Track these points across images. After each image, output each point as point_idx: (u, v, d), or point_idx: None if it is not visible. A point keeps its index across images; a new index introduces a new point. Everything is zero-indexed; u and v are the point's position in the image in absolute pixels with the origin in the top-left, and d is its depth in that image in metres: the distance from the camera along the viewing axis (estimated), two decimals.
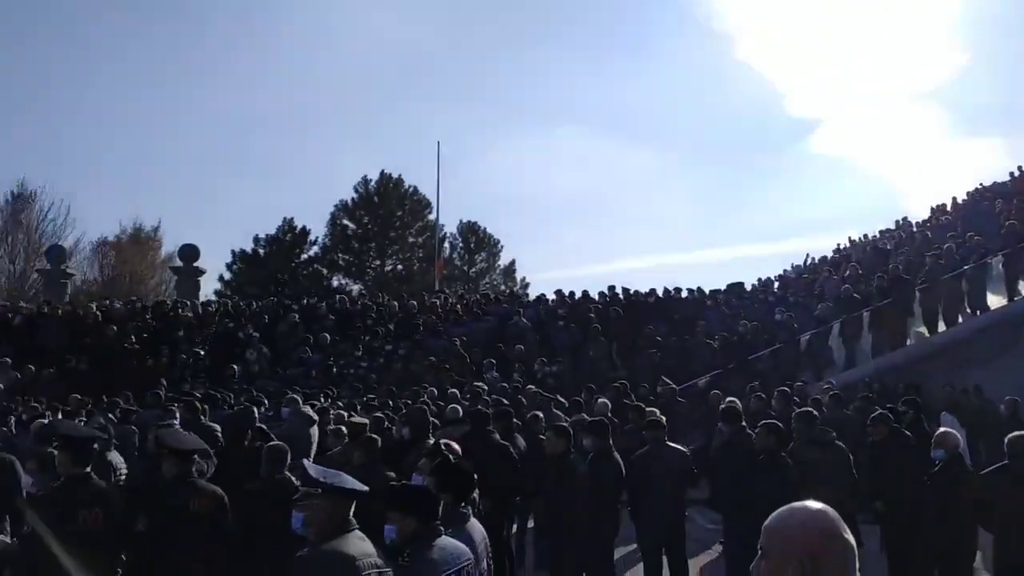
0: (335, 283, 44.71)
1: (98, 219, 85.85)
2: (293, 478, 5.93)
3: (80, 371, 15.79)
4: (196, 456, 5.49)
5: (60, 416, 9.62)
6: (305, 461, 3.48)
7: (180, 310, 19.79)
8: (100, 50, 63.66)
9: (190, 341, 17.63)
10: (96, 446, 5.35)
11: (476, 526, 4.37)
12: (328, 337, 17.66)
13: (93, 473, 5.12)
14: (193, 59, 66.95)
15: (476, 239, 50.71)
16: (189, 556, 5.11)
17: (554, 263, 68.43)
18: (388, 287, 35.05)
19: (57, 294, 26.08)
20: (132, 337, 17.40)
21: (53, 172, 73.96)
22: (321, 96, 67.77)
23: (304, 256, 47.66)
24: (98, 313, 18.72)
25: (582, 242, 70.25)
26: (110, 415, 10.10)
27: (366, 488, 3.57)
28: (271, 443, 6.36)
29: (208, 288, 37.17)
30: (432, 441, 7.65)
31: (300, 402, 9.37)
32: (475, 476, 4.61)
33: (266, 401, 11.10)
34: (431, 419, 8.67)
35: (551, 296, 20.18)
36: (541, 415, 9.79)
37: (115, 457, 6.93)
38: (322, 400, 12.21)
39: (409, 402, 11.73)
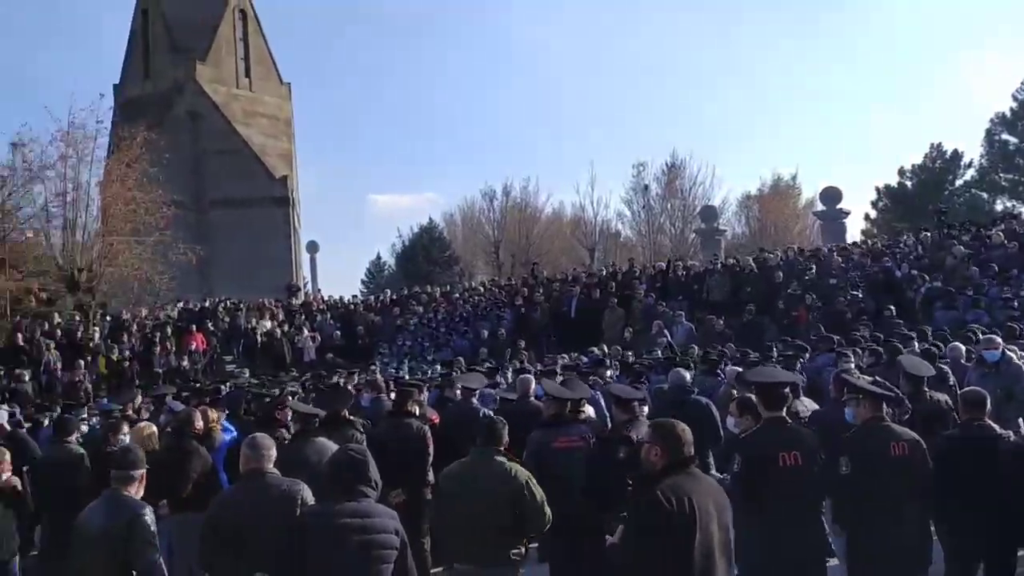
0: (998, 207, 39.70)
1: (740, 176, 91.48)
2: (995, 425, 5.40)
3: (748, 321, 16.77)
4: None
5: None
6: None
7: (833, 253, 19.78)
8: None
9: (848, 284, 17.36)
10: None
11: None
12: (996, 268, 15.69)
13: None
14: None
15: None
16: (891, 498, 4.96)
17: None
18: None
19: (713, 250, 28.44)
20: (793, 283, 17.83)
21: (696, 139, 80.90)
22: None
23: (958, 182, 43.49)
24: (754, 264, 19.74)
25: None
26: (800, 360, 10.38)
27: None
28: (969, 388, 5.81)
29: (854, 229, 36.53)
30: None
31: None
32: None
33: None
34: None
35: None
36: None
37: (800, 406, 7.07)
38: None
39: None
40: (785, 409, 5.23)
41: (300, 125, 38.31)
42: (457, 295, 23.86)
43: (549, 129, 71.76)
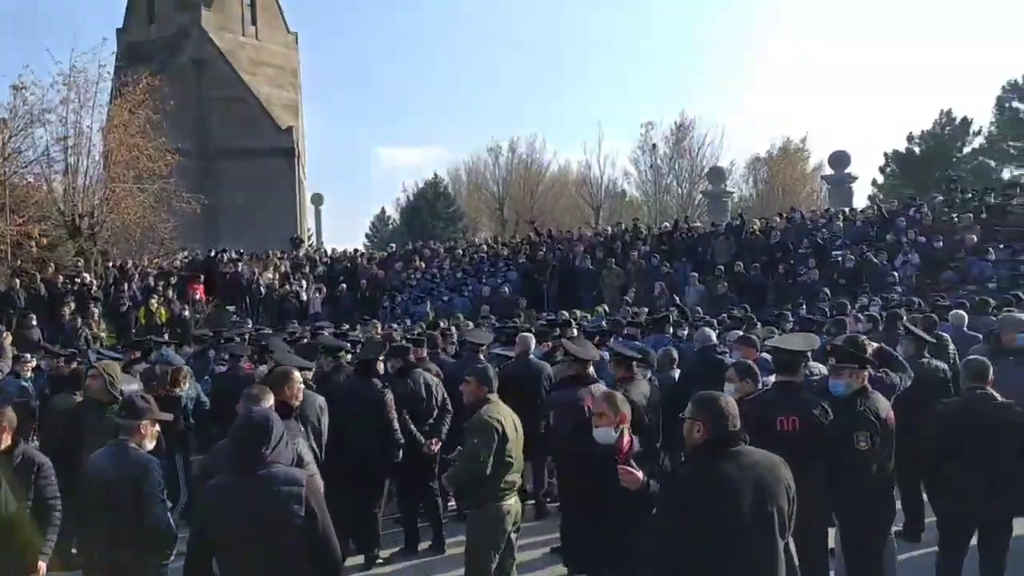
0: (1005, 175, 39.50)
1: (749, 139, 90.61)
2: (996, 394, 5.35)
3: (749, 283, 16.83)
4: None
5: None
6: None
7: (839, 218, 19.73)
8: None
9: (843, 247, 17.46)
10: None
11: None
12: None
13: None
14: None
15: None
16: None
17: None
18: None
19: (720, 211, 28.27)
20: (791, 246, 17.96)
21: (706, 102, 79.96)
22: None
23: (966, 149, 43.17)
24: (758, 227, 19.65)
25: None
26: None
27: None
28: (972, 357, 5.76)
29: (861, 195, 36.33)
30: None
31: None
32: None
33: None
34: None
35: None
36: None
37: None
38: None
39: None
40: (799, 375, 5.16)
41: (307, 76, 37.96)
42: (460, 251, 23.76)
43: (556, 87, 71.15)
